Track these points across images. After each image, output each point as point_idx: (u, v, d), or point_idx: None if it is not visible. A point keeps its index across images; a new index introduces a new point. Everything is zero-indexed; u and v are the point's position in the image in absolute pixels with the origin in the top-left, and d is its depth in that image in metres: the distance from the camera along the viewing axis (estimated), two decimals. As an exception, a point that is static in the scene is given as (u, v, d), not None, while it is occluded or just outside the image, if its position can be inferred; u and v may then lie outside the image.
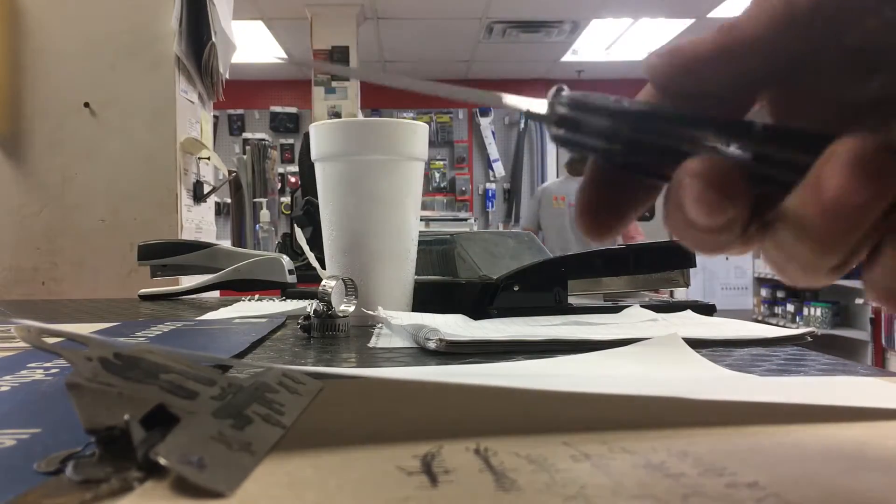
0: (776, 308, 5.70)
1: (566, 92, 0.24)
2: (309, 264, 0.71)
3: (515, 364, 0.44)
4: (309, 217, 1.21)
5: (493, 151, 6.48)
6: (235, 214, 2.57)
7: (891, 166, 0.19)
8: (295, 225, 1.24)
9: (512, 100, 0.25)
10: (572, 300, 0.71)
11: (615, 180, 0.25)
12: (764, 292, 5.87)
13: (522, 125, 6.46)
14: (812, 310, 5.05)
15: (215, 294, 1.07)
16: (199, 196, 1.78)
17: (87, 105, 1.63)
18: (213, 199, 1.92)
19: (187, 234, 1.68)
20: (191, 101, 1.74)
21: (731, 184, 0.21)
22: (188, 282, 1.02)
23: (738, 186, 0.21)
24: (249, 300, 0.92)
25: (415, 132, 0.67)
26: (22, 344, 0.48)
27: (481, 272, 0.73)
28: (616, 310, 0.69)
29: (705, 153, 0.21)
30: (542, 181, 6.23)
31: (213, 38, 1.72)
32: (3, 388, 0.36)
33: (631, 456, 0.25)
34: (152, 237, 1.11)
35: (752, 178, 0.21)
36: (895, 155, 0.19)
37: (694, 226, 0.21)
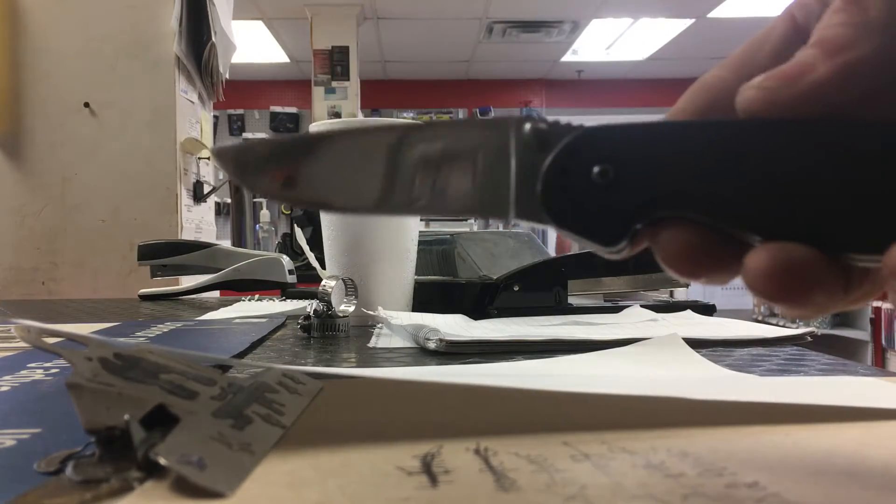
0: (776, 308, 5.70)
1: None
2: (309, 264, 0.71)
3: (515, 364, 0.44)
4: (309, 217, 1.21)
5: (493, 151, 6.47)
6: (235, 214, 2.58)
7: None
8: (295, 225, 1.24)
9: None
10: (572, 300, 0.71)
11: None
12: (764, 292, 5.86)
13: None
14: (812, 310, 5.04)
15: (215, 294, 1.07)
16: (199, 196, 1.78)
17: (87, 105, 1.63)
18: (213, 199, 1.92)
19: (187, 234, 1.68)
20: (191, 101, 1.75)
21: (700, 258, 0.22)
22: (188, 282, 1.02)
23: (709, 260, 0.22)
24: (249, 300, 0.92)
25: (415, 132, 0.67)
26: (22, 344, 0.48)
27: (481, 272, 0.73)
28: (616, 310, 0.69)
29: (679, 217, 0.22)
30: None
31: (213, 38, 1.72)
32: (3, 388, 0.36)
33: (631, 456, 0.25)
34: (152, 237, 1.11)
35: (727, 249, 0.21)
36: None
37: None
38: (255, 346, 0.53)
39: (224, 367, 0.38)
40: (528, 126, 0.23)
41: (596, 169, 0.22)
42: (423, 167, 0.24)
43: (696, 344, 0.47)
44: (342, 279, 0.60)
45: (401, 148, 0.24)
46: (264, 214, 3.11)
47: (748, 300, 6.24)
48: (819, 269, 0.20)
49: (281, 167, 0.24)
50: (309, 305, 0.59)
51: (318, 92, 4.59)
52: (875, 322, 4.37)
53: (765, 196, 0.21)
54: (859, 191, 0.20)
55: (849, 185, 0.20)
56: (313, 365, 0.46)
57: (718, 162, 0.21)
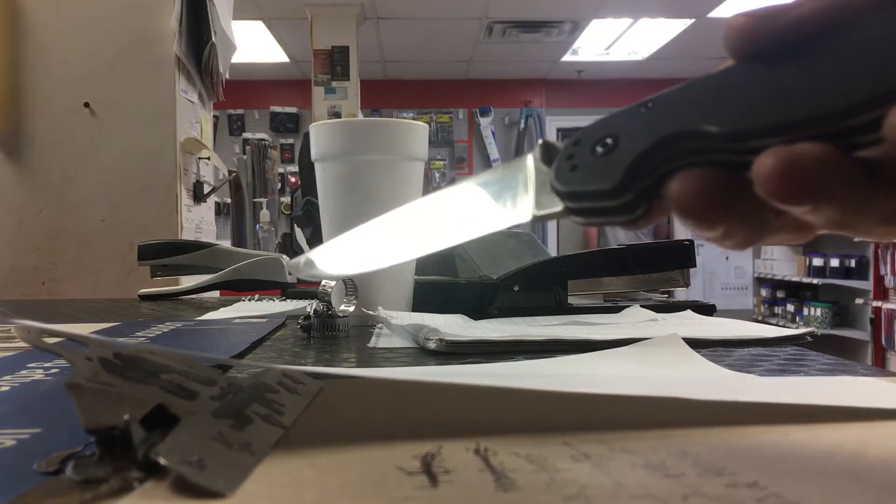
0: (776, 308, 5.70)
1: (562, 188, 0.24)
2: (309, 264, 0.71)
3: (515, 364, 0.44)
4: (309, 217, 1.21)
5: (493, 151, 6.48)
6: (235, 214, 2.57)
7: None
8: (295, 225, 1.24)
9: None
10: (572, 300, 0.71)
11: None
12: (764, 292, 5.87)
13: (522, 125, 6.46)
14: (812, 310, 5.05)
15: (215, 294, 1.07)
16: (199, 196, 1.78)
17: (87, 105, 1.63)
18: (213, 199, 1.92)
19: (187, 234, 1.68)
20: (191, 101, 1.75)
21: (713, 200, 0.22)
22: (188, 282, 1.02)
23: (721, 201, 0.22)
24: (249, 300, 0.92)
25: (415, 132, 0.67)
26: (22, 344, 0.48)
27: (481, 272, 0.73)
28: (616, 310, 0.69)
29: (692, 164, 0.22)
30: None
31: (213, 38, 1.72)
32: (3, 388, 0.36)
33: (631, 456, 0.25)
34: (152, 237, 1.11)
35: (738, 186, 0.22)
36: None
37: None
38: (255, 346, 0.53)
39: (224, 367, 0.38)
40: (540, 142, 0.26)
41: (598, 146, 0.24)
42: (457, 216, 0.28)
43: (696, 344, 0.47)
44: (342, 279, 0.60)
45: (433, 213, 0.29)
46: (264, 214, 3.12)
47: (748, 300, 6.24)
48: (829, 159, 0.20)
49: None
50: (309, 305, 0.59)
51: (318, 92, 4.59)
52: (875, 322, 4.37)
53: (749, 109, 0.21)
54: (841, 68, 0.20)
55: (834, 63, 0.20)
56: (313, 365, 0.46)
57: (703, 99, 0.22)
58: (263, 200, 4.78)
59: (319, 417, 0.30)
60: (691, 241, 0.72)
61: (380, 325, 0.64)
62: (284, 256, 0.95)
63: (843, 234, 0.22)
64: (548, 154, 0.25)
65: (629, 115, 0.24)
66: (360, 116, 4.25)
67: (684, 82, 0.23)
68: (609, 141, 0.23)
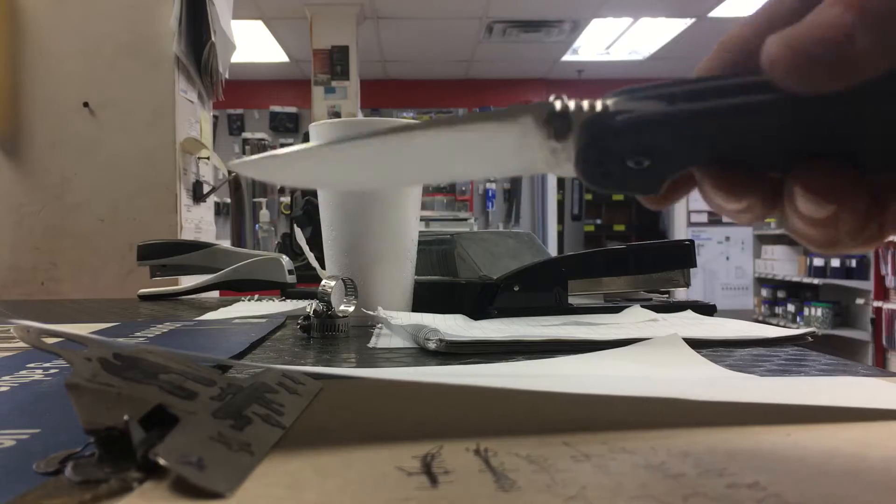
0: (777, 308, 5.70)
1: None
2: (309, 264, 0.71)
3: (516, 364, 0.44)
4: (309, 217, 1.21)
5: (493, 151, 6.47)
6: (235, 214, 2.57)
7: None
8: (295, 225, 1.24)
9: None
10: (572, 300, 0.71)
11: None
12: (764, 292, 5.87)
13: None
14: (813, 310, 5.05)
15: (215, 294, 1.07)
16: (198, 196, 1.78)
17: (86, 105, 1.63)
18: (212, 198, 1.92)
19: (187, 234, 1.68)
20: (190, 101, 1.75)
21: (736, 181, 0.23)
22: (188, 282, 1.02)
23: (746, 182, 0.23)
24: (249, 300, 0.92)
25: (415, 132, 0.67)
26: (21, 344, 0.48)
27: (481, 272, 0.73)
28: (616, 310, 0.69)
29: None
30: (543, 181, 6.23)
31: (213, 38, 1.72)
32: (3, 388, 0.35)
33: (631, 456, 0.25)
34: (152, 237, 1.11)
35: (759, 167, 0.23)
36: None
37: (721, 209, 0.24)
38: (254, 346, 0.53)
39: (224, 368, 0.38)
40: (544, 115, 0.23)
41: (631, 162, 0.23)
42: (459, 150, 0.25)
43: (696, 344, 0.47)
44: (342, 279, 0.60)
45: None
46: (264, 214, 3.12)
47: (749, 300, 6.24)
48: (855, 177, 0.21)
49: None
50: (309, 305, 0.59)
51: (317, 91, 4.59)
52: (875, 322, 4.37)
53: (796, 155, 0.22)
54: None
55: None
56: (313, 365, 0.46)
57: (747, 129, 0.22)
58: (263, 200, 4.78)
59: (319, 418, 0.30)
60: (691, 242, 0.72)
61: (380, 326, 0.64)
62: (284, 256, 0.95)
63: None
64: (558, 130, 0.24)
65: (661, 124, 0.22)
66: (360, 116, 4.25)
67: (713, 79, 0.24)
68: (645, 161, 0.23)
